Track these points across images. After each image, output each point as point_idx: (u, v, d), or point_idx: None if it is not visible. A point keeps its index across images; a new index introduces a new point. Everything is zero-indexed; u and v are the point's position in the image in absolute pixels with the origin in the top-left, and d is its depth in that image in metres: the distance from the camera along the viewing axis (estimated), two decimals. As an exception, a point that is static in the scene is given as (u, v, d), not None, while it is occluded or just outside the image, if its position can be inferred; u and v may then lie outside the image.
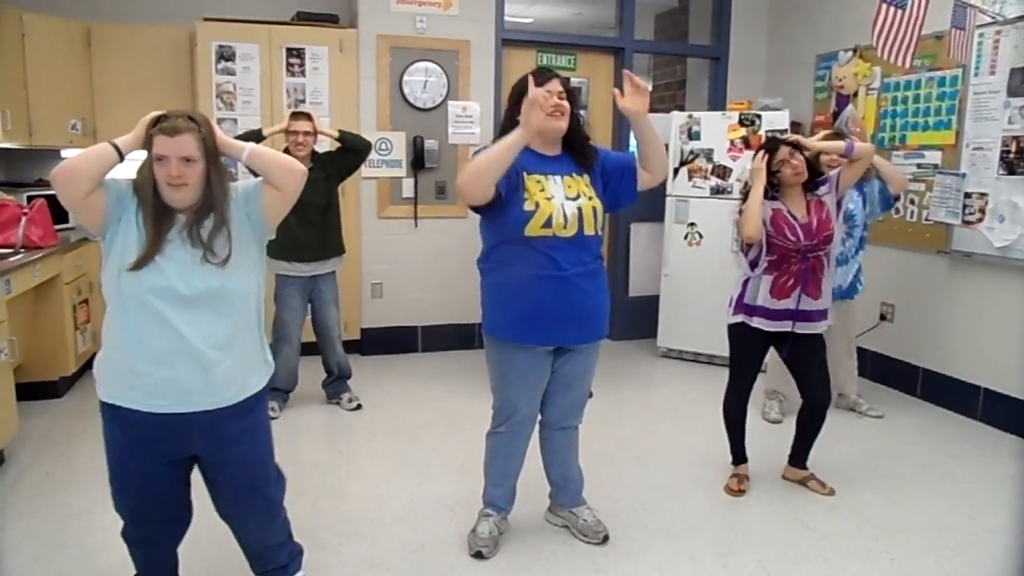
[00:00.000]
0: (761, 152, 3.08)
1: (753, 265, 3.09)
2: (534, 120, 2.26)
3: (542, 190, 2.44)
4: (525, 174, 2.43)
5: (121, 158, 1.94)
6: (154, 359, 1.92)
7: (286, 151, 3.86)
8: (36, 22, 4.48)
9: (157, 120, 1.93)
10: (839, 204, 3.13)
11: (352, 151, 4.06)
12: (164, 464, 2.04)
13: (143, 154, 1.96)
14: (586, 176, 2.56)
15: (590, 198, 2.51)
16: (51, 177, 1.91)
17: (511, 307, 2.50)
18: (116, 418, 2.00)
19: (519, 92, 2.45)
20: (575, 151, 2.56)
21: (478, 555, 2.68)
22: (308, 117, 3.94)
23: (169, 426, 1.97)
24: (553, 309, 2.46)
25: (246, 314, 2.05)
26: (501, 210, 2.40)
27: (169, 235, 1.95)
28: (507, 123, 2.51)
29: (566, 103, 2.47)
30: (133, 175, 1.98)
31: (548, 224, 2.41)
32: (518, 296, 2.48)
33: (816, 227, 3.02)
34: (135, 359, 1.94)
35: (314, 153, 3.99)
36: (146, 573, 2.22)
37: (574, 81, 5.65)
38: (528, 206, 2.40)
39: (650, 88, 7.15)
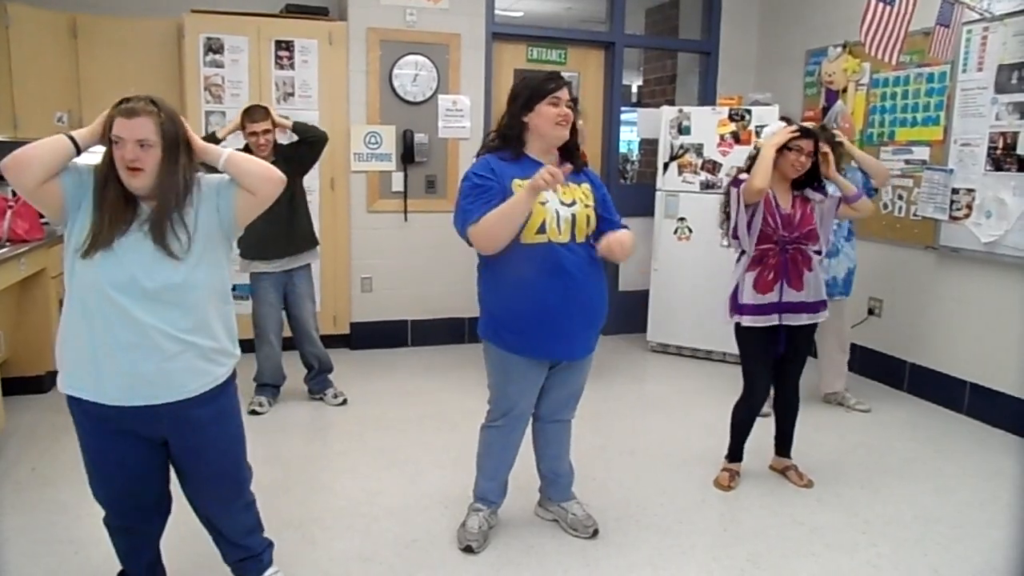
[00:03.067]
0: (794, 127, 3.07)
1: (748, 226, 3.05)
2: (549, 179, 2.27)
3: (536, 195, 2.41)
4: (518, 181, 2.40)
5: (78, 151, 1.91)
6: (115, 353, 1.90)
7: (247, 149, 3.74)
8: (21, 13, 4.42)
9: (120, 103, 1.90)
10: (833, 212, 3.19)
11: (307, 143, 3.92)
12: (137, 451, 2.03)
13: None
14: (585, 184, 2.55)
15: (586, 205, 2.50)
16: (2, 165, 1.88)
17: (507, 317, 2.50)
18: (81, 410, 1.99)
19: (528, 95, 2.46)
20: (568, 157, 2.54)
21: (468, 549, 2.68)
22: (265, 113, 3.81)
23: (135, 417, 1.96)
24: (553, 317, 2.44)
25: (209, 308, 2.02)
26: None
27: (131, 226, 1.92)
28: (508, 122, 2.51)
29: (571, 113, 2.47)
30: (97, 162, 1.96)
31: (542, 230, 2.40)
32: (514, 305, 2.47)
33: (798, 221, 3.05)
34: (96, 352, 1.91)
35: (277, 145, 3.89)
36: (129, 564, 2.22)
37: (564, 75, 5.66)
38: None
39: (640, 83, 7.17)
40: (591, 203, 2.53)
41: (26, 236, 3.92)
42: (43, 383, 4.22)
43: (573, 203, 2.47)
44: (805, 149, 3.03)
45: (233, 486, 2.20)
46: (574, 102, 2.52)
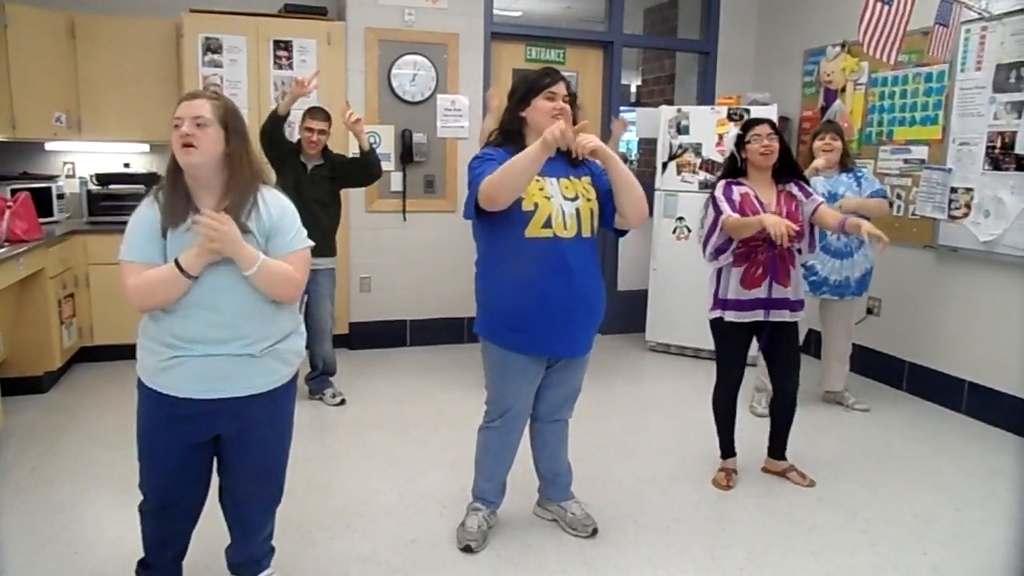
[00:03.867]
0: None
1: (719, 252, 3.09)
2: (559, 134, 2.22)
3: (540, 189, 2.42)
4: None
5: (190, 276, 1.92)
6: (196, 351, 1.96)
7: (299, 143, 3.94)
8: (19, 13, 4.42)
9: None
10: (811, 227, 3.12)
11: (364, 169, 4.02)
12: (192, 445, 2.08)
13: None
14: (585, 178, 2.55)
15: (588, 200, 2.50)
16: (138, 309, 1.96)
17: (508, 314, 2.50)
18: (151, 397, 2.04)
19: (524, 90, 2.48)
20: (567, 152, 2.53)
21: (467, 549, 2.68)
22: (327, 116, 3.94)
23: (202, 410, 2.01)
24: (556, 313, 2.45)
25: (282, 311, 2.09)
26: (501, 212, 2.37)
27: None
28: (508, 117, 2.51)
29: (568, 107, 2.48)
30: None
31: (548, 224, 2.41)
32: (515, 301, 2.47)
33: (785, 218, 3.00)
34: (179, 348, 1.97)
35: (326, 149, 4.00)
36: (153, 554, 2.23)
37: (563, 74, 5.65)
38: (527, 206, 2.39)
39: (639, 82, 7.16)
40: (592, 196, 2.52)
41: (24, 236, 3.92)
42: (42, 383, 4.22)
43: (576, 197, 2.48)
44: (762, 133, 3.04)
45: (275, 486, 2.27)
46: (572, 97, 2.51)
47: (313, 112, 3.93)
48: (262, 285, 1.99)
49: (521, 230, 2.40)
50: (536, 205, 2.40)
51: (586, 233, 2.48)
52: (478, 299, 2.63)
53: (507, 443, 2.72)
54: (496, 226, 2.44)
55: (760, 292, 3.06)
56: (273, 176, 2.08)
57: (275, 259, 2.02)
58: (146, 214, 1.99)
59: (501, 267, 2.50)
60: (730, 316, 3.09)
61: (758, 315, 3.08)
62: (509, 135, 2.52)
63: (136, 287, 1.93)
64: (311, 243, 2.15)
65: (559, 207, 2.43)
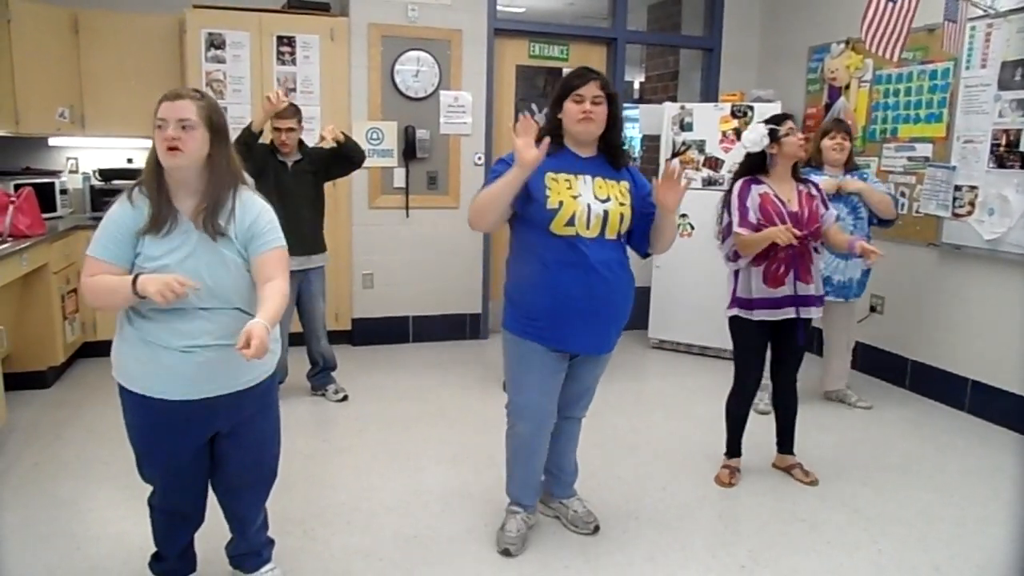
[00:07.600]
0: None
1: (737, 256, 3.09)
2: (527, 156, 2.24)
3: (569, 188, 2.41)
4: (551, 174, 2.42)
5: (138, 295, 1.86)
6: (181, 348, 1.95)
7: (272, 143, 3.86)
8: (22, 8, 4.42)
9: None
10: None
11: (347, 160, 3.96)
12: (187, 444, 2.09)
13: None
14: (624, 183, 2.54)
15: (622, 204, 2.48)
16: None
17: (529, 307, 2.49)
18: (136, 403, 2.01)
19: (558, 93, 2.49)
20: (609, 153, 2.54)
21: (505, 552, 2.65)
22: (295, 111, 3.86)
23: (194, 411, 2.00)
24: (573, 308, 2.44)
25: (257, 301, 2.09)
26: (528, 208, 2.41)
27: (184, 226, 1.96)
28: (548, 121, 2.52)
29: (599, 108, 2.44)
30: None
31: (571, 223, 2.40)
32: (537, 296, 2.47)
33: (807, 218, 3.04)
34: (163, 348, 1.95)
35: (302, 144, 3.96)
36: (164, 547, 2.26)
37: (565, 71, 5.64)
38: (551, 203, 2.39)
39: (643, 79, 7.14)
40: (627, 201, 2.50)
41: (28, 231, 3.93)
42: (45, 378, 4.23)
43: (607, 199, 2.46)
44: (795, 128, 3.09)
45: (268, 475, 2.30)
46: (610, 97, 2.48)
47: (281, 111, 3.78)
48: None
49: (546, 226, 2.41)
50: (561, 203, 2.40)
51: (610, 235, 2.46)
52: (505, 295, 2.63)
53: (536, 447, 2.68)
54: (524, 221, 2.47)
55: (786, 289, 3.05)
56: (250, 180, 2.07)
57: (255, 260, 2.02)
58: (121, 216, 1.96)
59: (526, 262, 2.50)
60: (760, 315, 3.07)
61: (789, 312, 3.07)
62: (552, 136, 2.47)
63: (87, 284, 1.94)
64: (284, 243, 2.11)
65: (584, 206, 2.41)
